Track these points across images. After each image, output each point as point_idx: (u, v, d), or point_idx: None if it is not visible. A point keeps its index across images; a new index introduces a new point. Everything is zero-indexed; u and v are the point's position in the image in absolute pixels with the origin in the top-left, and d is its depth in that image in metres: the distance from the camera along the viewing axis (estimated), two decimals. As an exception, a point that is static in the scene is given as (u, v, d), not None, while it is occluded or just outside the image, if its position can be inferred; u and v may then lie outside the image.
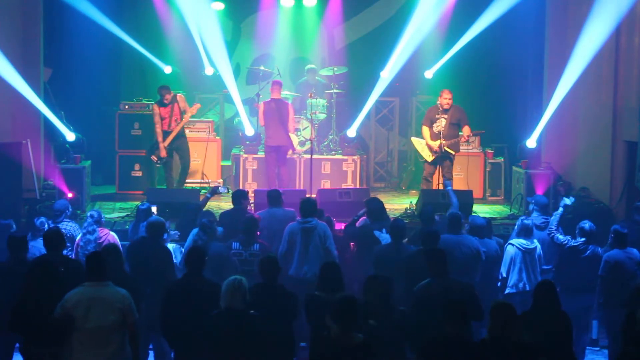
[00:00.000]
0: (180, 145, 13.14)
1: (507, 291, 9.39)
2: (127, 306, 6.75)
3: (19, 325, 6.94)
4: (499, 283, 9.51)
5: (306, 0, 15.50)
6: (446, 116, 12.36)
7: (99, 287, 6.74)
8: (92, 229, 9.37)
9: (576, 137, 13.33)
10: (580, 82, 12.69)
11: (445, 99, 12.35)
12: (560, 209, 9.87)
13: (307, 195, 11.45)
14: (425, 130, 12.52)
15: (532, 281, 9.24)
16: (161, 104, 12.96)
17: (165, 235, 9.14)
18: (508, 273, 9.41)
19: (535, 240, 9.59)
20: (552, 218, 9.80)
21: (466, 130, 12.42)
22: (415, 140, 12.98)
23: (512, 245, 9.48)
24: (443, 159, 12.45)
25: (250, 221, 9.18)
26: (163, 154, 12.95)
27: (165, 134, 12.95)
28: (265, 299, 7.12)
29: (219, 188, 10.92)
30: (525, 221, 9.61)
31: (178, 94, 13.16)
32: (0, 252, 9.06)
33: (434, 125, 12.45)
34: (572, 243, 9.43)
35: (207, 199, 10.53)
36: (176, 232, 9.73)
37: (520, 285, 9.33)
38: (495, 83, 14.96)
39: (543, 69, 13.87)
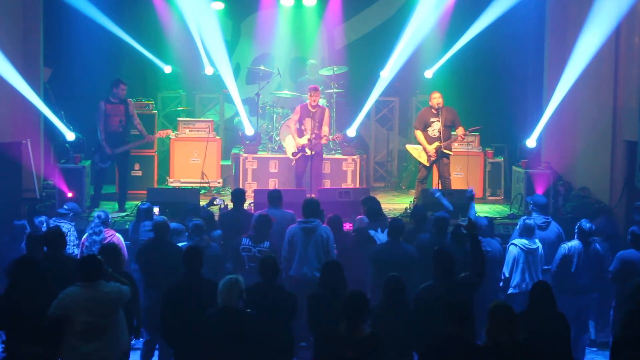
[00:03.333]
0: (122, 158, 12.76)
1: (510, 291, 9.38)
2: (118, 298, 6.95)
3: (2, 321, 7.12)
4: (501, 283, 9.50)
5: (306, 0, 15.50)
6: (440, 119, 12.27)
7: (92, 287, 6.88)
8: (98, 230, 9.44)
9: (576, 137, 13.32)
10: (580, 82, 12.68)
11: (437, 99, 12.28)
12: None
13: (309, 196, 11.45)
14: (419, 134, 12.41)
15: (534, 281, 9.19)
16: (109, 100, 12.49)
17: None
18: (511, 273, 9.41)
19: (537, 240, 9.58)
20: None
21: (460, 131, 12.39)
22: (410, 147, 12.88)
23: (515, 245, 9.48)
24: (439, 158, 12.42)
25: (263, 219, 9.12)
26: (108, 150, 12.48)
27: (115, 135, 12.55)
28: (263, 298, 7.13)
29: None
30: (527, 221, 9.60)
31: (127, 99, 12.71)
32: (14, 251, 9.15)
33: (429, 129, 12.39)
34: (571, 250, 9.44)
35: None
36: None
37: (523, 285, 9.31)
38: (495, 83, 14.95)
39: (543, 69, 13.86)
